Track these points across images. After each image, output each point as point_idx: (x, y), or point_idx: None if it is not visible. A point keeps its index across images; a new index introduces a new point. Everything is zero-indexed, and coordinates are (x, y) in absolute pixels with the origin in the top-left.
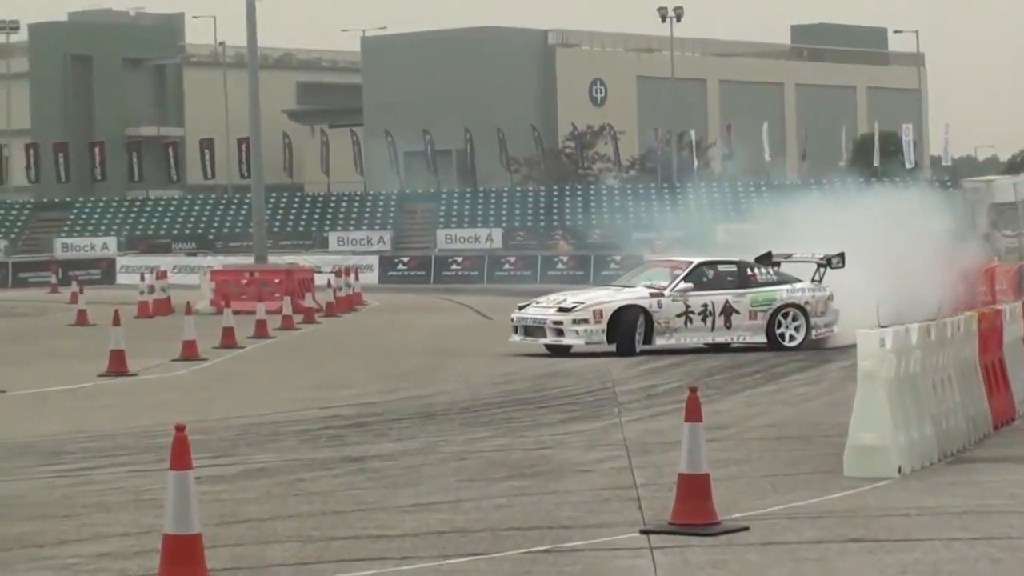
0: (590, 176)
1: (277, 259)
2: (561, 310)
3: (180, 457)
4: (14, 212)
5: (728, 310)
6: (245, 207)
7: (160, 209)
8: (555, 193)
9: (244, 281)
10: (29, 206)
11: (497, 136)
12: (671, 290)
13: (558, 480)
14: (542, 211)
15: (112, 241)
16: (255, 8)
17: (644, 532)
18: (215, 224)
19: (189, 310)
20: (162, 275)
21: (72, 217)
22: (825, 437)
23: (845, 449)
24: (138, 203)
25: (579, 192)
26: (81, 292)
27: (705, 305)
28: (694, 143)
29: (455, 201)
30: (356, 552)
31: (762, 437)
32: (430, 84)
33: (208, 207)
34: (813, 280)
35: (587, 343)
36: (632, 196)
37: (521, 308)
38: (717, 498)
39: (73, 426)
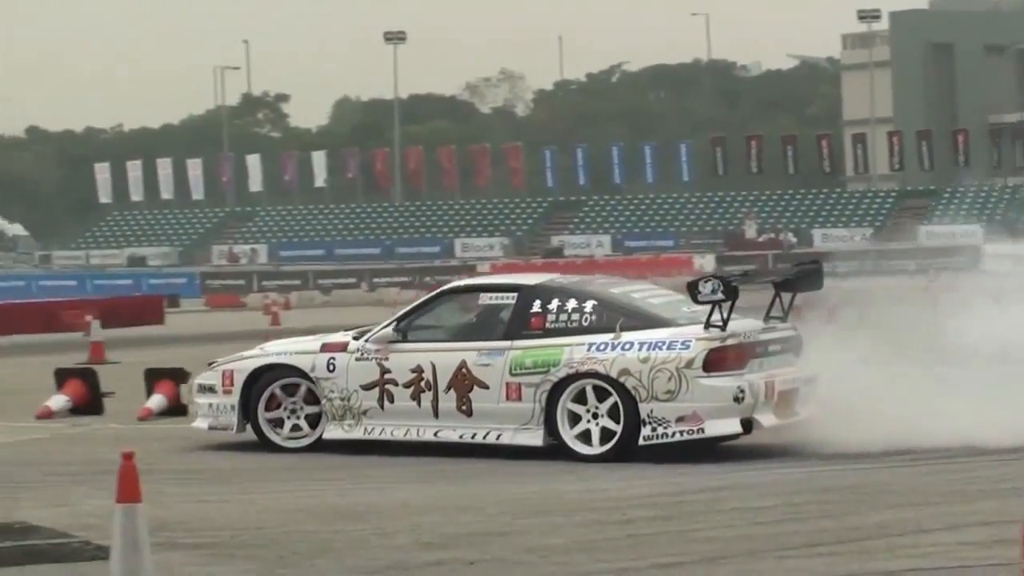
0: None
1: None
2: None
3: None
4: (879, 200)
5: (464, 380)
6: None
7: None
8: None
9: None
10: (893, 194)
11: None
12: (365, 340)
13: None
14: None
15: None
16: None
17: None
18: None
19: None
20: None
21: (939, 205)
22: None
23: None
24: (1008, 190)
25: None
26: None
27: (418, 369)
28: None
29: None
30: None
31: None
32: None
33: None
34: (708, 322)
35: (212, 427)
36: None
37: None
38: None
39: None
